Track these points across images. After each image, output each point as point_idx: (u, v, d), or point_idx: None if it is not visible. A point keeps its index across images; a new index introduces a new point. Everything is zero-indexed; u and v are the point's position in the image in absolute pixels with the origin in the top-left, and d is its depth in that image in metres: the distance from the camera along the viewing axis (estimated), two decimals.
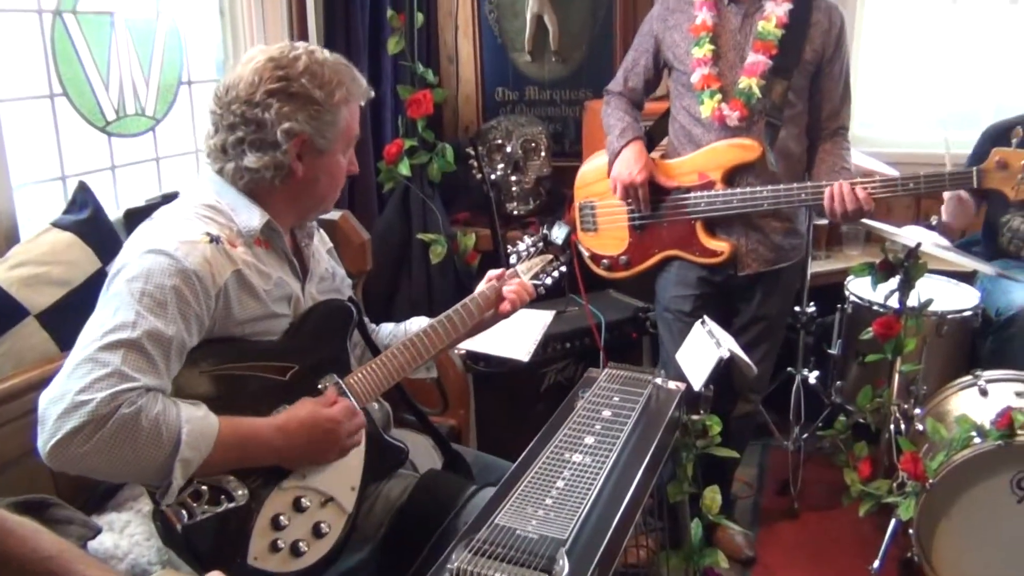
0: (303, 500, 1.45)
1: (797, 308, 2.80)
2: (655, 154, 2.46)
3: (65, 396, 1.25)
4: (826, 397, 2.99)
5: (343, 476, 1.52)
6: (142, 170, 2.46)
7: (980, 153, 2.59)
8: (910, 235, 2.49)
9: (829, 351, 2.99)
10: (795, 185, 2.26)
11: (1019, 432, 2.11)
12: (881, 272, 2.47)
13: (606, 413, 1.49)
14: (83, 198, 2.00)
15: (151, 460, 1.28)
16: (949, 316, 2.67)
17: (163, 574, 1.47)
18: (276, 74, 1.46)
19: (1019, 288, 2.71)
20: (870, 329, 2.50)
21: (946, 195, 2.89)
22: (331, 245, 1.80)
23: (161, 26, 2.49)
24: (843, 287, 2.93)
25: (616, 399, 1.55)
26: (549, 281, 1.92)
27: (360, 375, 1.58)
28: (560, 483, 1.27)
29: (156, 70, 2.48)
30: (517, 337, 2.42)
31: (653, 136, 2.53)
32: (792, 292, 2.61)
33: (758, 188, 2.27)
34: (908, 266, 2.43)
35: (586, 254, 2.60)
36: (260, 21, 2.77)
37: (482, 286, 1.82)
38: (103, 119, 2.30)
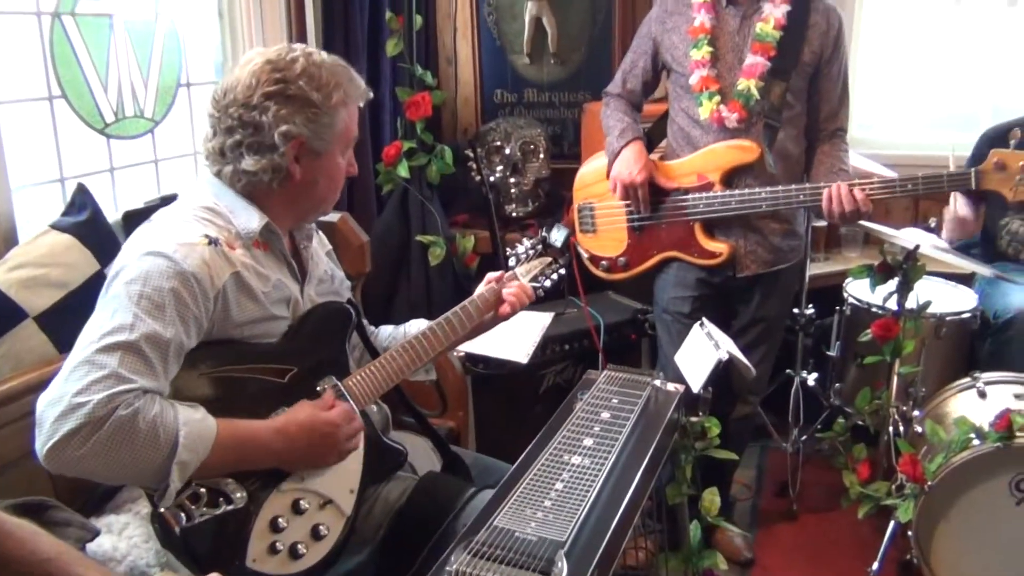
0: (302, 502, 1.45)
1: (796, 310, 2.80)
2: (654, 156, 2.47)
3: (62, 398, 1.24)
4: (825, 399, 2.99)
5: (342, 478, 1.52)
6: (141, 172, 2.46)
7: (979, 156, 2.59)
8: (909, 237, 2.50)
9: (828, 353, 2.99)
10: (793, 186, 2.26)
11: (1018, 434, 2.11)
12: (880, 274, 2.47)
13: (605, 415, 1.49)
14: (82, 200, 1.99)
15: (149, 462, 1.28)
16: (948, 318, 2.67)
17: None
18: (273, 77, 1.46)
19: (1017, 290, 2.72)
20: (869, 331, 2.50)
21: (946, 216, 2.91)
22: (330, 247, 1.80)
23: (160, 28, 2.49)
24: (842, 289, 2.93)
25: (615, 401, 1.55)
26: (548, 283, 1.92)
27: (359, 377, 1.57)
28: (559, 485, 1.27)
29: (155, 72, 2.48)
30: (516, 339, 2.42)
31: (652, 138, 2.53)
32: (791, 294, 2.61)
33: (756, 189, 2.27)
34: (907, 268, 2.43)
35: (585, 256, 2.60)
36: (259, 23, 2.77)
37: (481, 288, 1.82)
38: (102, 121, 2.30)
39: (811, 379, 2.94)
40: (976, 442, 2.16)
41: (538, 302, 1.93)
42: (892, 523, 2.36)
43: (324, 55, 1.54)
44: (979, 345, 2.78)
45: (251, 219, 1.50)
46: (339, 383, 1.54)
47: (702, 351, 1.73)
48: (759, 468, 3.16)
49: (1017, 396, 2.33)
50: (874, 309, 2.70)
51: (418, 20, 3.10)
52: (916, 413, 2.53)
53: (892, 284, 2.47)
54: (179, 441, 1.29)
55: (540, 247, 1.94)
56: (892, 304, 2.51)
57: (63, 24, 2.15)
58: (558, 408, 1.56)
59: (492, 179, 3.22)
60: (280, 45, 1.54)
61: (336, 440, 1.47)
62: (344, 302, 1.69)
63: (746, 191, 2.28)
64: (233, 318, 1.44)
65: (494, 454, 1.91)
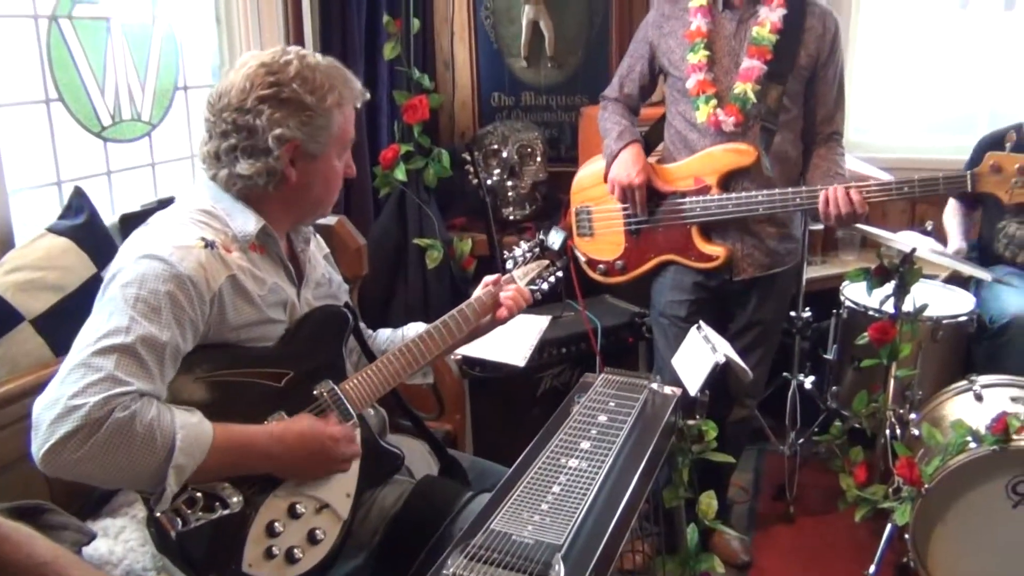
0: (298, 507, 1.45)
1: (793, 313, 2.80)
2: (651, 159, 2.47)
3: (58, 401, 1.24)
4: (822, 402, 2.99)
5: (339, 483, 1.52)
6: (138, 175, 2.46)
7: (976, 162, 2.60)
8: (905, 240, 2.50)
9: (825, 356, 2.99)
10: (790, 190, 2.26)
11: (1014, 437, 2.11)
12: (876, 277, 2.47)
13: (602, 418, 1.49)
14: (79, 203, 1.99)
15: (145, 466, 1.27)
16: (944, 321, 2.68)
17: None
18: (267, 80, 1.46)
19: (1014, 294, 2.72)
20: (866, 334, 2.50)
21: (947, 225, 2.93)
22: (327, 250, 1.80)
23: (157, 31, 2.48)
24: (839, 292, 2.93)
25: (612, 404, 1.55)
26: (545, 286, 1.92)
27: (356, 381, 1.57)
28: (556, 488, 1.27)
29: (152, 75, 2.48)
30: (513, 342, 2.42)
31: (649, 141, 2.53)
32: (788, 297, 2.62)
33: (753, 193, 2.27)
34: (903, 271, 2.43)
35: (582, 259, 2.60)
36: (256, 26, 2.77)
37: (479, 291, 1.82)
38: (99, 124, 2.30)
39: (808, 382, 2.94)
40: (973, 445, 2.17)
41: (535, 305, 1.93)
42: (889, 526, 2.36)
43: (319, 57, 1.54)
44: (975, 348, 2.78)
45: (247, 222, 1.50)
46: (336, 387, 1.53)
47: (699, 354, 1.73)
48: (756, 471, 3.16)
49: (1013, 399, 2.34)
50: (871, 312, 2.70)
51: (415, 24, 3.10)
52: (913, 416, 2.53)
53: (889, 287, 2.47)
54: (176, 445, 1.29)
55: (537, 250, 1.94)
56: (889, 307, 2.51)
57: (60, 27, 2.15)
58: (555, 411, 1.56)
59: (489, 182, 3.22)
60: (275, 48, 1.54)
61: (334, 455, 1.47)
62: (341, 305, 1.69)
63: (743, 194, 2.29)
64: (229, 321, 1.44)
65: (491, 457, 1.91)
